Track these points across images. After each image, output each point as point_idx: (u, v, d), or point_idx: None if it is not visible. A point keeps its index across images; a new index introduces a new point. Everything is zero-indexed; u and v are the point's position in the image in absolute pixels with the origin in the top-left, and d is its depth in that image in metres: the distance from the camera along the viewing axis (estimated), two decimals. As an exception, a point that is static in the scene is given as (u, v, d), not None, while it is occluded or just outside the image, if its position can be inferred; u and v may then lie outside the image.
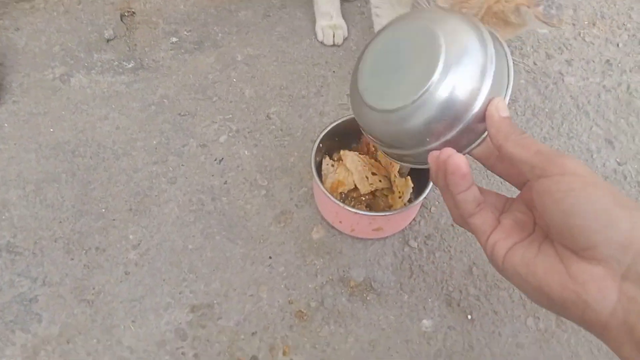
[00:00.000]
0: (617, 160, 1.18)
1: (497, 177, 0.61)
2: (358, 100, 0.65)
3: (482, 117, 0.55)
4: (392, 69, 0.62)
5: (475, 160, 0.61)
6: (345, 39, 1.34)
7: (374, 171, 1.02)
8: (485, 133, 0.57)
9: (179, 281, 0.98)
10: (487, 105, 0.54)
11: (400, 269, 1.02)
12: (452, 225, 1.07)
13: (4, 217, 1.05)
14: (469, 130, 0.56)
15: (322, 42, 1.33)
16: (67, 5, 1.34)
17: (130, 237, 1.04)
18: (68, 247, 1.02)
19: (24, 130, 1.16)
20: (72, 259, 1.00)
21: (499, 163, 0.59)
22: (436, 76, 0.54)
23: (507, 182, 0.61)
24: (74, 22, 1.32)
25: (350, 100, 0.71)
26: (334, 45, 1.33)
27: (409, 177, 0.98)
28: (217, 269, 1.00)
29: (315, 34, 1.34)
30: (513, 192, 0.59)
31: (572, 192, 0.43)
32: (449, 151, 0.53)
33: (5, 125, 1.17)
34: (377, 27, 1.19)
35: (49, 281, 0.97)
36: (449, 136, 0.56)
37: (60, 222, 1.05)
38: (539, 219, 0.52)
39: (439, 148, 0.55)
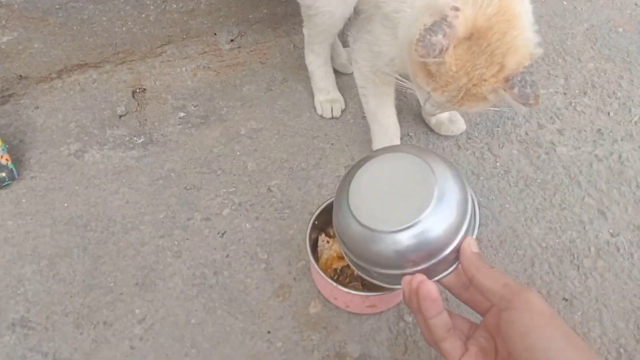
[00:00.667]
0: (610, 231, 1.21)
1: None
2: (346, 215, 0.72)
3: (456, 250, 0.61)
4: (386, 194, 0.69)
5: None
6: (342, 111, 1.41)
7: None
8: (456, 264, 0.63)
9: (181, 356, 1.03)
10: (462, 241, 0.61)
11: (395, 345, 1.04)
12: (446, 299, 1.10)
13: (19, 292, 1.11)
14: (444, 261, 0.63)
15: (321, 116, 1.40)
16: (83, 84, 1.43)
17: (137, 311, 1.09)
18: (78, 321, 1.07)
19: (40, 205, 1.24)
20: (82, 334, 1.05)
21: (464, 292, 0.64)
22: (428, 211, 0.62)
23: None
24: (89, 100, 1.42)
25: (334, 213, 0.77)
26: (332, 118, 1.40)
27: None
28: (218, 343, 1.04)
29: (314, 108, 1.42)
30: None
31: (535, 329, 0.49)
32: (421, 277, 0.59)
33: (23, 200, 1.25)
34: (364, 105, 1.26)
35: (59, 357, 1.02)
36: (426, 264, 0.63)
37: (72, 296, 1.10)
38: (500, 347, 0.57)
39: (412, 273, 0.61)
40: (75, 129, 1.37)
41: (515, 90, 0.85)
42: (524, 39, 0.89)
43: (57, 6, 1.26)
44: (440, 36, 0.82)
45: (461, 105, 0.94)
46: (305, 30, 1.33)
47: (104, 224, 1.21)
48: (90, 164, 1.31)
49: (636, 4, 1.71)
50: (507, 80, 0.86)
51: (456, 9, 0.84)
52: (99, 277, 1.13)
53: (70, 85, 1.42)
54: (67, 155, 1.32)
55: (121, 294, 1.11)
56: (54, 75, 1.39)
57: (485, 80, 0.88)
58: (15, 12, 1.23)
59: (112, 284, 1.12)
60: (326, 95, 1.39)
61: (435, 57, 0.84)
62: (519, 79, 0.85)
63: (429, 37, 0.82)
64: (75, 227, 1.21)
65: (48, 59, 1.35)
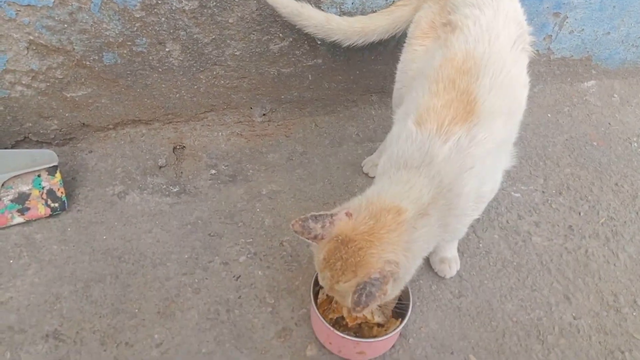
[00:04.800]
0: (573, 314, 1.38)
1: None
2: None
3: None
4: None
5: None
6: None
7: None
8: None
9: (191, 380, 1.17)
10: None
11: (377, 391, 1.19)
12: (427, 357, 1.26)
13: (55, 307, 1.27)
14: None
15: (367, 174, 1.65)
16: (133, 136, 1.67)
17: (156, 336, 1.24)
18: (103, 339, 1.22)
19: (82, 235, 1.42)
20: (105, 351, 1.20)
21: None
22: None
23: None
24: (136, 150, 1.65)
25: None
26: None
27: (399, 319, 1.20)
28: (223, 373, 1.19)
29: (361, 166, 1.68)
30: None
31: None
32: None
33: (69, 229, 1.43)
34: None
35: (84, 368, 1.17)
36: None
37: (100, 317, 1.26)
38: None
39: None
40: (121, 173, 1.58)
41: (355, 296, 0.96)
42: (378, 257, 0.98)
43: (129, 72, 1.52)
44: (319, 225, 0.99)
45: (334, 289, 1.04)
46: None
47: (135, 257, 1.39)
48: (130, 204, 1.52)
49: (609, 123, 1.98)
50: (357, 285, 0.96)
51: (349, 214, 1.00)
52: (126, 303, 1.30)
53: (122, 136, 1.66)
54: (111, 195, 1.53)
55: (144, 319, 1.27)
56: (110, 127, 1.63)
57: (339, 282, 1.00)
58: (95, 73, 1.49)
59: (136, 310, 1.29)
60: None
61: (308, 239, 0.99)
62: (361, 287, 0.96)
63: (310, 221, 0.98)
64: (111, 257, 1.39)
65: (110, 113, 1.60)
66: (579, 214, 1.65)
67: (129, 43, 1.46)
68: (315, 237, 1.01)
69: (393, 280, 1.00)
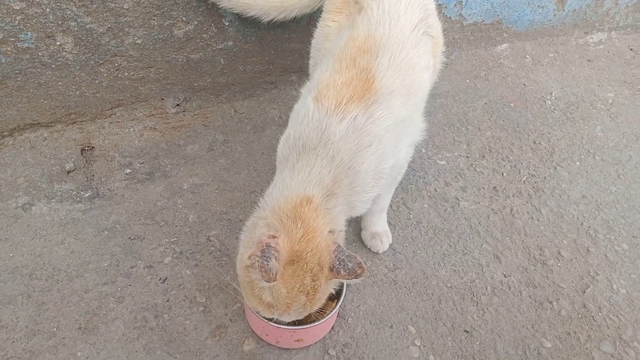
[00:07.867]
0: (504, 272, 1.42)
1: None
2: None
3: None
4: None
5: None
6: None
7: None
8: None
9: (121, 396, 1.09)
10: None
11: (320, 376, 1.17)
12: (366, 334, 1.25)
13: (-42, 339, 1.14)
14: None
15: None
16: (34, 141, 1.53)
17: (79, 354, 1.15)
18: (18, 366, 1.12)
19: (-16, 255, 1.29)
20: (21, 378, 1.10)
21: None
22: None
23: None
24: (39, 157, 1.51)
25: None
26: None
27: (335, 301, 1.17)
28: (156, 382, 1.12)
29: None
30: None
31: None
32: None
33: (-33, 251, 1.30)
34: None
35: (-2, 401, 1.06)
36: None
37: (13, 342, 1.15)
38: None
39: None
40: (24, 183, 1.45)
41: (342, 272, 0.97)
42: (324, 239, 1.00)
43: (17, 71, 1.38)
44: (273, 260, 0.92)
45: (314, 307, 1.03)
46: None
47: (48, 273, 1.28)
48: (37, 216, 1.39)
49: (524, 84, 2.05)
50: (331, 269, 0.98)
51: (273, 236, 0.96)
52: (42, 323, 1.19)
53: (21, 143, 1.51)
54: (15, 208, 1.39)
55: (64, 338, 1.17)
56: (5, 133, 1.48)
57: (318, 286, 0.99)
58: (-25, 76, 1.34)
59: (55, 329, 1.18)
60: None
61: (274, 280, 0.93)
62: (337, 262, 0.98)
63: (266, 262, 0.90)
64: (20, 275, 1.27)
65: (2, 119, 1.44)
66: (502, 174, 1.69)
67: (12, 39, 1.32)
68: (276, 275, 0.93)
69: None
